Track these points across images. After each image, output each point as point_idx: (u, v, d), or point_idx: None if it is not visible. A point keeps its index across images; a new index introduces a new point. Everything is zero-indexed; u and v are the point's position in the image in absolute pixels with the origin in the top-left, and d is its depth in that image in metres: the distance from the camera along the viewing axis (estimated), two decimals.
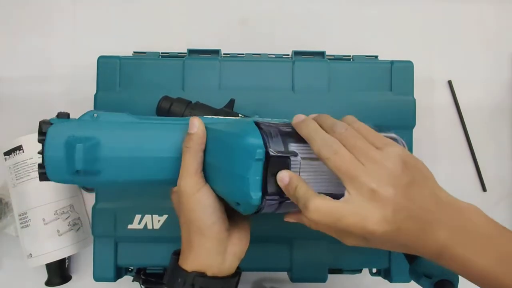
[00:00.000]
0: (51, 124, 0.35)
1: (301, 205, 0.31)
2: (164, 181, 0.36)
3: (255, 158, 0.30)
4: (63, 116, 0.36)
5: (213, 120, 0.37)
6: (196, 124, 0.35)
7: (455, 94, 0.64)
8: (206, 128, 0.35)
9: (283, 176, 0.31)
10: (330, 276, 0.53)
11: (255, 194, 0.30)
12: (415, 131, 0.54)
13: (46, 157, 0.34)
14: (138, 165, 0.35)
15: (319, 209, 0.30)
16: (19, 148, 0.56)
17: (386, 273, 0.54)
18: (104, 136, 0.35)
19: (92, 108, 0.51)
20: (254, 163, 0.30)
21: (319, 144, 0.31)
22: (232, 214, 0.37)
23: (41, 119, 0.36)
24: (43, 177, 0.35)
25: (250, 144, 0.31)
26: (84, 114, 0.36)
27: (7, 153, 0.57)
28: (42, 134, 0.35)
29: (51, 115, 0.61)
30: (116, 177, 0.36)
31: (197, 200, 0.35)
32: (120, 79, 0.52)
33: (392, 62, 0.54)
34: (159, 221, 0.51)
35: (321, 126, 0.33)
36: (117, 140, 0.35)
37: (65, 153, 0.34)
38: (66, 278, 0.58)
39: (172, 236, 0.50)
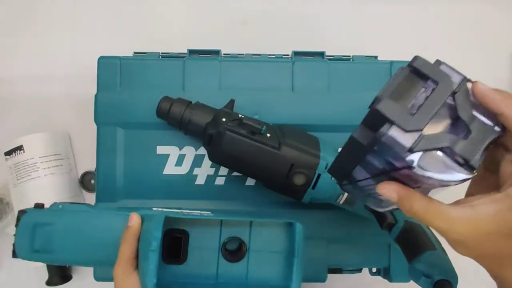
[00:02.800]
0: (25, 212, 0.42)
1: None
2: (109, 262, 0.40)
3: (150, 249, 0.35)
4: (38, 206, 0.43)
5: (153, 213, 0.42)
6: (134, 219, 0.40)
7: None
8: (143, 219, 0.40)
9: None
10: (329, 276, 0.53)
11: (150, 281, 0.35)
12: None
13: (17, 238, 0.41)
14: (85, 248, 0.42)
15: None
16: (19, 148, 0.56)
17: (386, 273, 0.54)
18: (59, 222, 0.42)
19: (92, 108, 0.52)
20: (150, 254, 0.35)
21: None
22: None
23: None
24: (14, 254, 0.42)
25: (149, 236, 0.36)
26: (52, 204, 0.43)
27: (8, 153, 0.57)
28: (18, 220, 0.42)
29: (51, 115, 0.62)
30: (66, 256, 0.42)
31: (125, 285, 0.38)
32: (120, 79, 0.52)
33: (392, 62, 0.54)
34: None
35: None
36: (69, 226, 0.42)
37: (29, 235, 0.41)
38: (66, 277, 0.58)
39: None
